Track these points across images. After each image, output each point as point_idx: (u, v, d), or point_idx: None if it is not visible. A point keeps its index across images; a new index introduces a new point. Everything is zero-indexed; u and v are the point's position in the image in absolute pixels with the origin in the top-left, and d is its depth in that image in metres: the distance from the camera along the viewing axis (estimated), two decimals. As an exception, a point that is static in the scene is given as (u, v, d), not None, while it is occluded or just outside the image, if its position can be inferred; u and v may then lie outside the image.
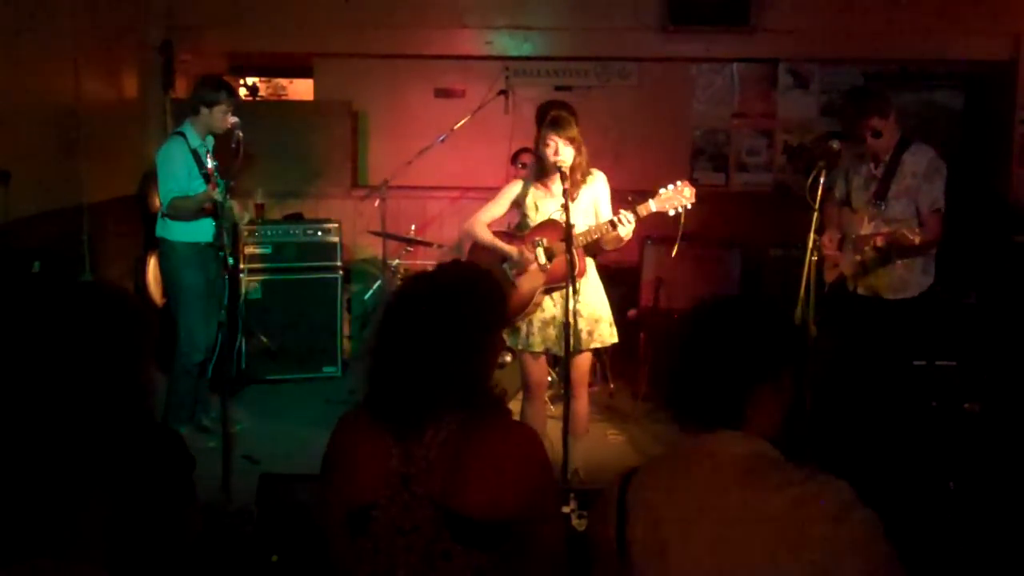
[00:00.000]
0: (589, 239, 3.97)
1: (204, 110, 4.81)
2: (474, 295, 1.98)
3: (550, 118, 3.91)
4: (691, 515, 1.66)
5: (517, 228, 4.32)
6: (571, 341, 3.92)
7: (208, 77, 5.18)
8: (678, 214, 3.96)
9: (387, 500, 1.86)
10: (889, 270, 4.22)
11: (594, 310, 4.06)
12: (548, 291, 4.07)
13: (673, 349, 1.79)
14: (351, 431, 1.99)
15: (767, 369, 1.72)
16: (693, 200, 3.93)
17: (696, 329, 1.78)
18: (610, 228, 3.92)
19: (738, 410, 1.70)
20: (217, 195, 4.62)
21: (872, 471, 3.90)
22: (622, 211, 3.90)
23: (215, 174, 4.80)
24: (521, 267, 4.07)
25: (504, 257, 4.10)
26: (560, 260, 3.97)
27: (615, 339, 4.17)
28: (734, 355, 1.71)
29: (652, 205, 3.92)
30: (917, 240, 3.89)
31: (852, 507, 1.57)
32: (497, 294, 2.05)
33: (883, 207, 4.21)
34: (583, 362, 4.16)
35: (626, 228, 3.90)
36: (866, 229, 4.23)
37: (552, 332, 4.07)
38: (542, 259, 4.02)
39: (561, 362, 4.27)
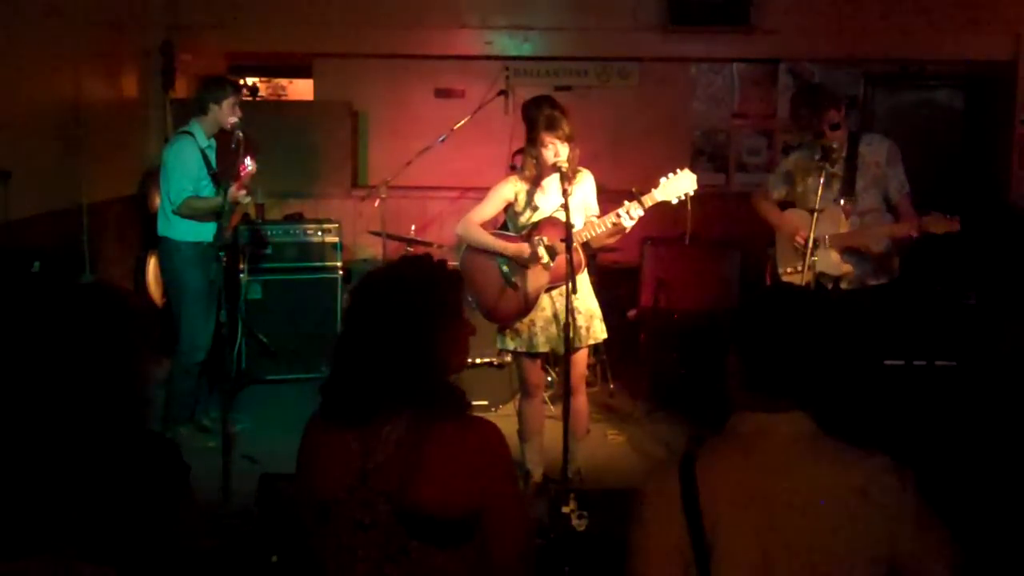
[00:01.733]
0: (594, 232, 3.94)
1: (214, 107, 4.81)
2: (421, 286, 1.96)
3: (545, 120, 3.87)
4: (777, 492, 1.74)
5: (503, 228, 4.27)
6: (580, 337, 3.95)
7: (212, 76, 5.20)
8: (683, 203, 3.94)
9: (347, 495, 1.87)
10: (869, 257, 4.27)
11: (589, 306, 4.07)
12: (548, 289, 4.06)
13: (770, 326, 1.83)
14: (317, 428, 2.00)
15: (853, 356, 1.88)
16: (695, 186, 3.91)
17: (804, 309, 1.85)
18: (616, 221, 3.90)
19: (833, 389, 1.83)
20: (243, 198, 4.78)
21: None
22: (627, 204, 3.88)
23: (246, 179, 4.79)
24: (522, 267, 4.05)
25: (502, 255, 4.06)
26: (562, 258, 3.96)
27: (605, 335, 4.19)
28: (841, 337, 1.84)
29: (656, 195, 3.89)
30: (956, 228, 3.94)
31: (906, 471, 1.76)
32: (447, 285, 2.01)
33: (854, 203, 4.25)
34: (581, 359, 4.17)
35: (631, 221, 3.89)
36: (843, 227, 4.25)
37: (554, 331, 4.06)
38: (545, 258, 4.00)
39: (560, 361, 4.26)
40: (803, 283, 3.97)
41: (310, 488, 1.94)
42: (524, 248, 4.02)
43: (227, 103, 4.81)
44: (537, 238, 4.00)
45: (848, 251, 4.28)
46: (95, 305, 1.80)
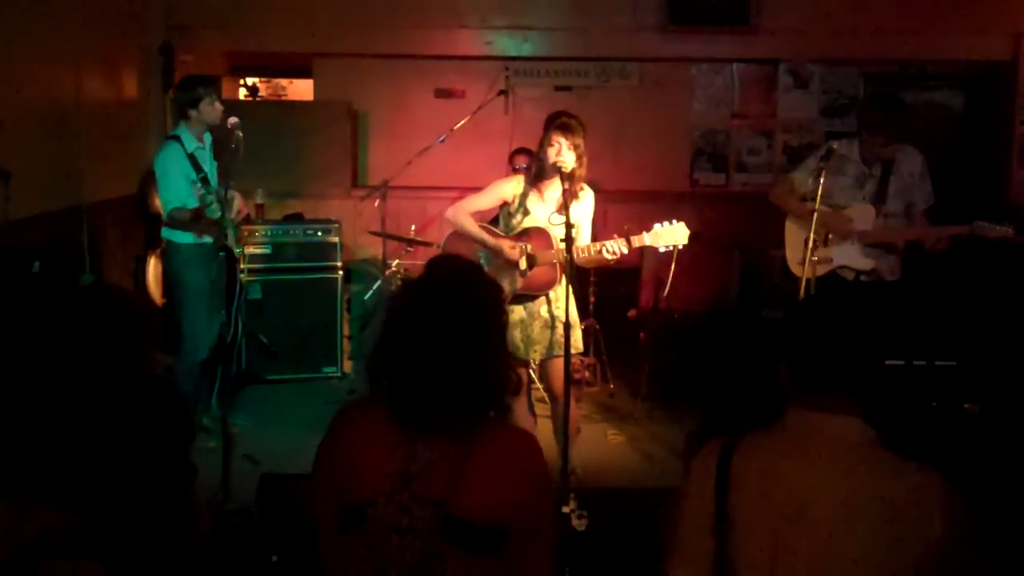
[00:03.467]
0: (578, 256, 3.92)
1: (191, 111, 4.82)
2: (487, 293, 1.98)
3: (560, 122, 3.90)
4: (809, 490, 1.74)
5: (492, 223, 4.28)
6: (558, 345, 3.93)
7: (185, 78, 5.19)
8: (669, 252, 3.96)
9: (385, 498, 1.84)
10: (889, 254, 4.42)
11: (570, 315, 4.05)
12: (518, 298, 4.05)
13: (821, 325, 1.85)
14: (352, 426, 1.96)
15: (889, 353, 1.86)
16: (686, 241, 3.93)
17: (853, 309, 1.86)
18: (596, 252, 3.91)
19: (872, 389, 1.82)
20: (210, 213, 4.64)
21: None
22: (615, 239, 3.89)
23: (214, 192, 4.73)
24: (499, 264, 4.03)
25: (483, 246, 4.07)
26: (539, 270, 3.98)
27: (581, 347, 4.21)
28: (878, 335, 1.84)
29: (646, 239, 3.91)
30: (1010, 235, 4.11)
31: (963, 502, 1.69)
32: (499, 288, 2.07)
33: (884, 204, 4.38)
34: (559, 367, 4.13)
35: (612, 256, 3.90)
36: (869, 224, 4.38)
37: (517, 335, 4.04)
38: (522, 265, 4.00)
39: (541, 368, 4.27)
40: (805, 278, 4.00)
41: (343, 489, 1.89)
42: (505, 244, 4.02)
43: (204, 103, 4.81)
44: (522, 244, 4.01)
45: (870, 248, 4.41)
46: (100, 306, 1.80)
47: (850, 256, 4.40)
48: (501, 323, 2.01)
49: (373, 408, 1.92)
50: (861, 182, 4.44)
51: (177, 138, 4.84)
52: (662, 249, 3.94)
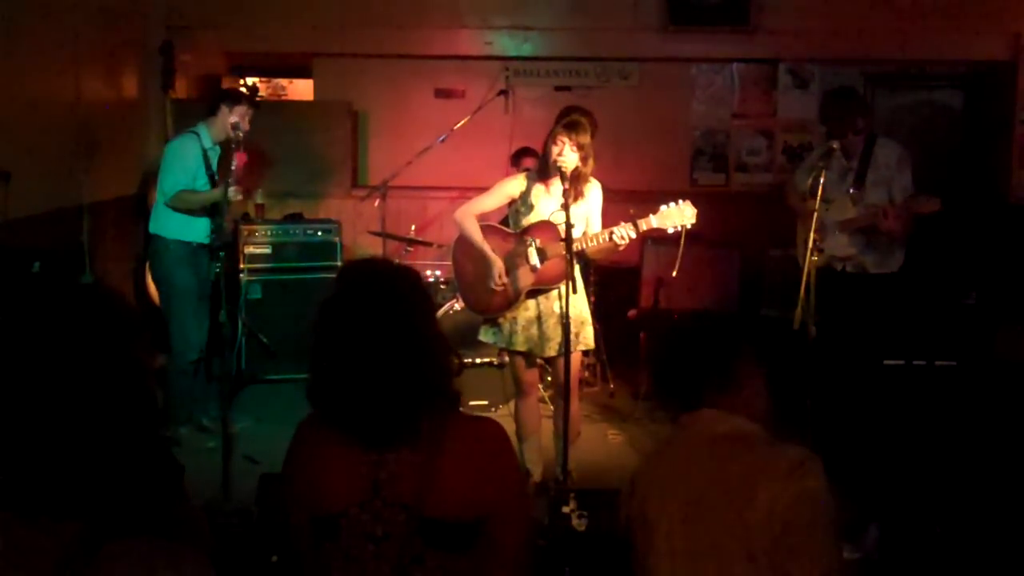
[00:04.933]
0: (586, 245, 3.95)
1: (224, 109, 4.82)
2: (404, 287, 1.92)
3: (567, 120, 3.89)
4: (667, 489, 1.89)
5: (503, 223, 4.29)
6: (561, 343, 3.93)
7: (232, 89, 5.24)
8: (678, 232, 3.95)
9: (358, 508, 1.82)
10: (872, 246, 4.55)
11: (579, 312, 4.06)
12: (533, 293, 4.06)
13: (672, 349, 2.08)
14: (316, 438, 1.92)
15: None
16: (694, 220, 3.92)
17: (687, 331, 2.13)
18: (606, 240, 3.91)
19: (728, 386, 1.97)
20: (233, 195, 4.65)
21: (872, 470, 3.90)
22: (623, 224, 3.88)
23: (229, 180, 4.73)
24: (515, 260, 4.04)
25: (483, 255, 4.08)
26: (551, 262, 3.98)
27: (592, 344, 4.23)
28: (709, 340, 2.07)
29: (653, 221, 3.90)
30: (937, 207, 4.29)
31: (800, 467, 1.77)
32: (423, 283, 2.00)
33: (862, 194, 4.56)
34: (573, 364, 4.15)
35: (623, 242, 3.90)
36: (851, 213, 4.56)
37: (534, 332, 4.06)
38: (534, 259, 4.00)
39: (550, 364, 4.27)
40: (806, 272, 4.03)
41: (314, 502, 1.87)
42: (500, 267, 4.03)
43: (239, 109, 4.83)
44: (529, 239, 4.02)
45: (853, 237, 4.57)
46: (87, 307, 1.79)
47: (836, 245, 4.55)
48: (428, 310, 1.96)
49: (331, 426, 1.89)
50: (843, 175, 4.61)
51: (196, 133, 4.88)
52: (670, 230, 3.93)
